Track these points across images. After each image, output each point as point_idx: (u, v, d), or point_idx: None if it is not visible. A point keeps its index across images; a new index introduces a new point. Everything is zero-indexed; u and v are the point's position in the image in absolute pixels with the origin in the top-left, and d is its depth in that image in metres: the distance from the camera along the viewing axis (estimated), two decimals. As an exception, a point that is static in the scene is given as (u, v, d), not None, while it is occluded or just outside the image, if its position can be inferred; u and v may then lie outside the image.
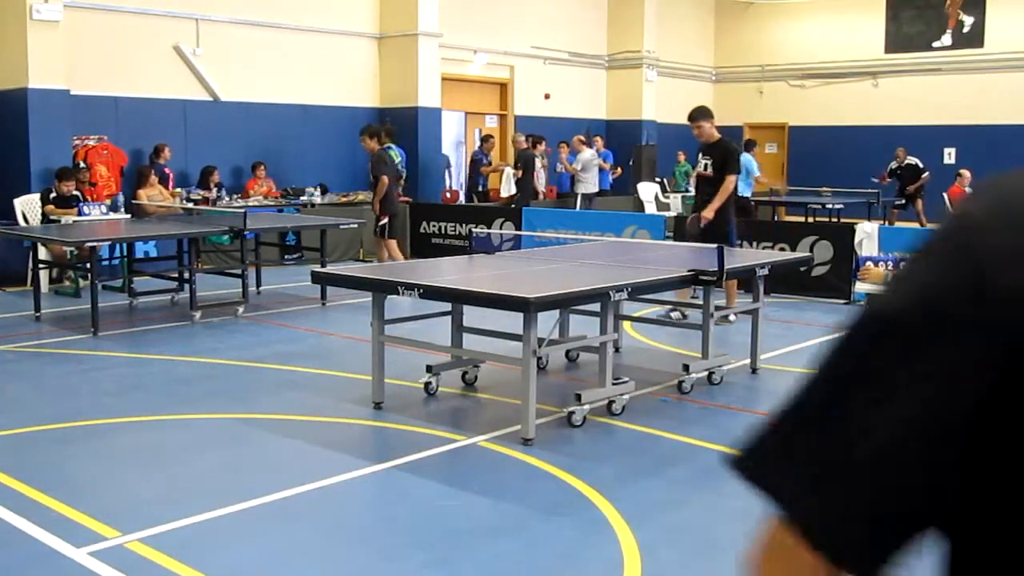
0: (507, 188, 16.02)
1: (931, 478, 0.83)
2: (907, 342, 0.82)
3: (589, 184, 16.53)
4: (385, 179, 11.12)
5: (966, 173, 15.74)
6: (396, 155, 12.64)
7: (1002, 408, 0.80)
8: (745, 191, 15.10)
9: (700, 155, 8.92)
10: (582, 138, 17.10)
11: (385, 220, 11.21)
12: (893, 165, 18.06)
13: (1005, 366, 0.79)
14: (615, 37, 20.68)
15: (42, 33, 11.28)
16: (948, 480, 0.83)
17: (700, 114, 8.83)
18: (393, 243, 11.47)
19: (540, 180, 16.60)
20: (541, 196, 16.56)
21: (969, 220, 0.86)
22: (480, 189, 16.57)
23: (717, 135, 8.86)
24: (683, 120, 22.22)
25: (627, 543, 4.06)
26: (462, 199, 16.88)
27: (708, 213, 8.64)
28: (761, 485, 0.89)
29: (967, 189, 15.40)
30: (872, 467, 0.83)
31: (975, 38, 20.03)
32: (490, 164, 16.69)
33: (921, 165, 17.84)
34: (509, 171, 16.01)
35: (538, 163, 16.47)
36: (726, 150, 8.84)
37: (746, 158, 15.51)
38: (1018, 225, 0.82)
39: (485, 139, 17.04)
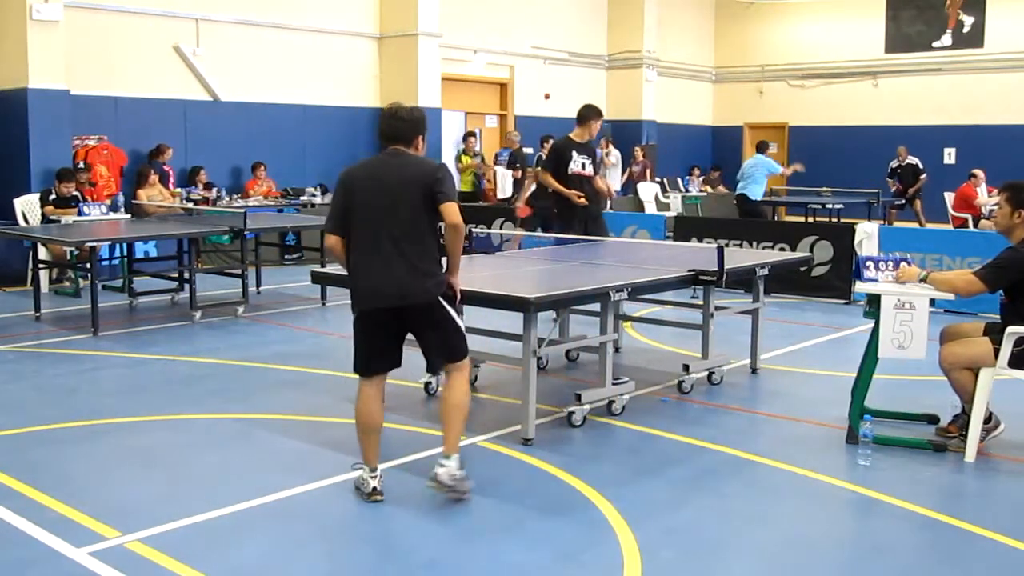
0: (503, 190, 16.02)
1: (340, 215, 4.53)
2: (338, 190, 4.59)
3: None
4: None
5: (979, 173, 15.71)
6: None
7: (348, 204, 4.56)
8: (760, 194, 14.48)
9: (575, 153, 8.61)
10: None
11: None
12: (894, 164, 18.03)
13: (345, 199, 4.53)
14: (615, 37, 20.69)
15: (42, 33, 11.29)
16: (343, 214, 4.53)
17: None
18: None
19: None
20: None
21: (348, 171, 4.61)
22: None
23: None
24: (683, 120, 22.01)
25: (627, 543, 4.07)
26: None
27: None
28: (326, 229, 4.57)
29: (978, 189, 15.45)
30: (331, 212, 4.57)
31: (975, 38, 20.02)
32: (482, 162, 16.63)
33: (921, 166, 17.81)
34: (506, 172, 15.99)
35: None
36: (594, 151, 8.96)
37: (766, 159, 14.65)
38: (361, 166, 4.63)
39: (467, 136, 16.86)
